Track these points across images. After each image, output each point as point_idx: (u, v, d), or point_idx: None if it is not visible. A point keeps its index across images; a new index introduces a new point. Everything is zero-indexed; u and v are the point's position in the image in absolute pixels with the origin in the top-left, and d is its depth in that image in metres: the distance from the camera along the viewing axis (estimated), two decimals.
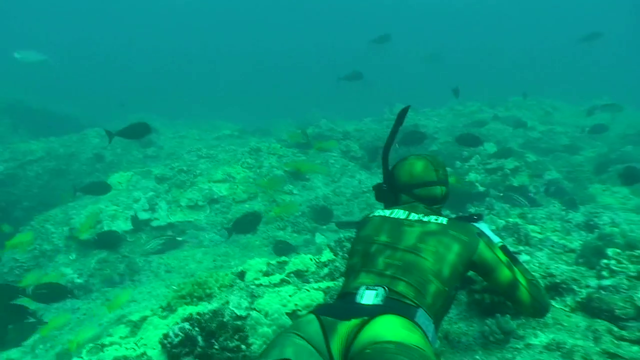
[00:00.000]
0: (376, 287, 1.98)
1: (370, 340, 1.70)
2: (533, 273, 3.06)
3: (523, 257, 3.53)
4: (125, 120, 15.09)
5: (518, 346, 2.48)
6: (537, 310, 2.24)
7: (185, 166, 8.73)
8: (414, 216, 2.28)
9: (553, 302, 2.85)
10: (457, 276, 2.15)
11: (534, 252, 3.60)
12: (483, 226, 2.58)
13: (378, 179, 9.17)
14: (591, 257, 3.21)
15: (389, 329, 1.74)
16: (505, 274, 2.19)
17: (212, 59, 47.35)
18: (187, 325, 2.63)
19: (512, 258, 2.35)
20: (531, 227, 4.19)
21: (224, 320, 2.72)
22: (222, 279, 3.70)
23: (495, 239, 2.45)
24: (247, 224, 6.26)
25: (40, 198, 11.10)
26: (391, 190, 2.52)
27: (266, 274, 3.87)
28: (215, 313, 2.75)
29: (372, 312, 1.86)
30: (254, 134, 15.51)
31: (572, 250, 3.69)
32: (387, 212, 2.35)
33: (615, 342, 2.38)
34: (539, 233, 4.01)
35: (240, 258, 6.98)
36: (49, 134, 13.40)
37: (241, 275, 3.93)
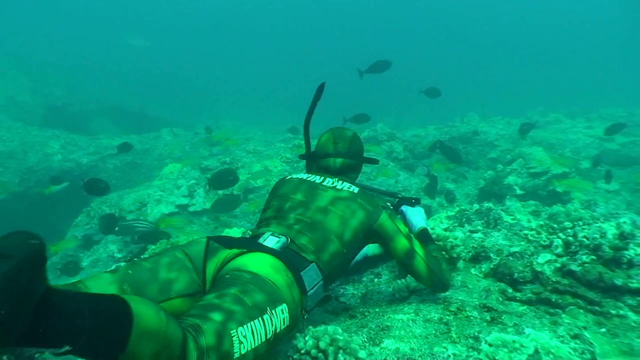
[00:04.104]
0: (280, 236, 2.13)
1: (235, 267, 1.85)
2: (472, 246, 3.05)
3: (476, 236, 3.47)
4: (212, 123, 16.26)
5: (413, 302, 2.50)
6: (435, 283, 2.28)
7: (230, 159, 9.29)
8: (328, 181, 2.44)
9: (472, 270, 2.81)
10: (357, 241, 2.29)
11: (492, 232, 3.52)
12: (418, 210, 2.67)
13: (417, 180, 9.05)
14: None
15: (257, 263, 1.87)
16: (402, 242, 2.27)
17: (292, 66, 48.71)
18: None
19: (426, 238, 2.45)
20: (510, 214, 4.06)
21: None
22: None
23: (420, 223, 2.56)
24: None
25: (116, 188, 12.35)
26: (309, 159, 2.73)
27: None
28: None
29: (254, 248, 2.01)
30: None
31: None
32: (304, 175, 2.53)
33: (502, 300, 2.33)
34: (513, 219, 3.89)
35: None
36: (138, 132, 14.86)
37: None
